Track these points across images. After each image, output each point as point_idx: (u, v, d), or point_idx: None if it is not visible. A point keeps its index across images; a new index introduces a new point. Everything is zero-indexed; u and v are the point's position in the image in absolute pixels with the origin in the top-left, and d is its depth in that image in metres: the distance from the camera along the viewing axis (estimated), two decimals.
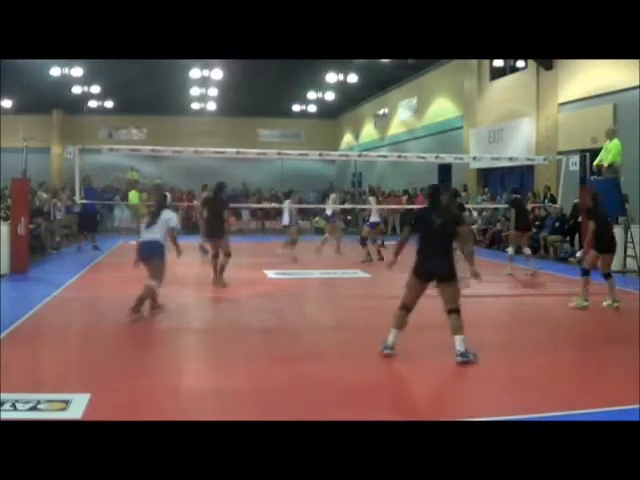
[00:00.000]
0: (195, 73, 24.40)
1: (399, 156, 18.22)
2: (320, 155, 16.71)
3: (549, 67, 17.45)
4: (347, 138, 35.14)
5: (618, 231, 12.82)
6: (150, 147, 17.37)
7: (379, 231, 15.13)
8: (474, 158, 18.75)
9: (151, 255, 7.99)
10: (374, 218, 14.91)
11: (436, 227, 6.13)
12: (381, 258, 14.13)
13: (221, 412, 4.71)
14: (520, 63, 19.42)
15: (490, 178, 21.79)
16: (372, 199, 15.62)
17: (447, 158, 18.03)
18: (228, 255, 10.68)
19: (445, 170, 23.68)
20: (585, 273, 9.22)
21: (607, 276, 9.24)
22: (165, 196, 8.71)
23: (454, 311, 6.04)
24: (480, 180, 22.02)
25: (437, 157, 16.91)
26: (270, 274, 12.45)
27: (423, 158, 17.87)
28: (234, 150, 16.11)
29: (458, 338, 5.98)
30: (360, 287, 11.47)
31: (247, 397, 5.07)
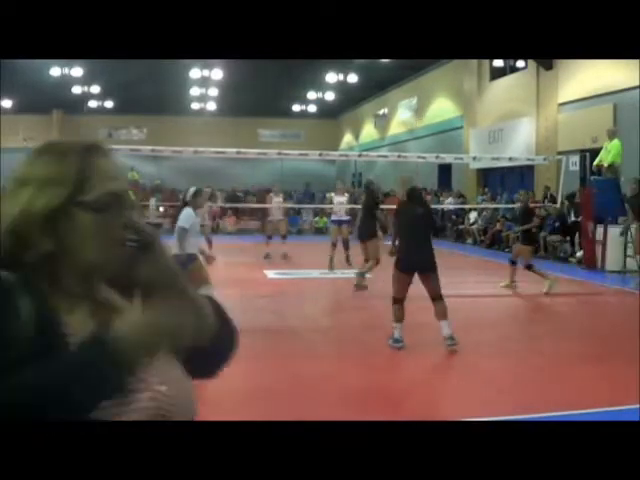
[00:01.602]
0: (195, 73, 24.40)
1: (399, 156, 18.23)
2: (320, 155, 16.71)
3: (549, 67, 17.45)
4: (347, 138, 35.15)
5: (617, 231, 12.86)
6: (150, 147, 17.38)
7: (347, 231, 12.94)
8: (474, 158, 18.75)
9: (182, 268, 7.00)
10: (338, 216, 13.20)
11: (418, 221, 6.56)
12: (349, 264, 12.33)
13: (221, 412, 4.71)
14: (520, 63, 19.42)
15: (490, 178, 21.80)
16: (336, 196, 13.88)
17: (447, 158, 18.03)
18: None
19: (445, 170, 23.69)
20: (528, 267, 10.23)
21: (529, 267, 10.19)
22: (186, 191, 7.52)
23: (439, 297, 6.45)
24: (480, 180, 22.02)
25: (437, 157, 16.92)
26: (270, 274, 12.46)
27: (423, 158, 17.88)
28: (234, 150, 16.12)
29: (445, 323, 6.41)
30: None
31: (247, 397, 5.07)
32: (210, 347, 1.14)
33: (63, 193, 1.09)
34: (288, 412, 4.57)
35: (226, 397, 5.12)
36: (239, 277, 11.90)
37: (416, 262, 6.47)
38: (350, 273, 12.67)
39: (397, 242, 6.76)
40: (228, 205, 25.78)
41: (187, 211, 7.30)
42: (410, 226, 6.58)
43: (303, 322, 8.33)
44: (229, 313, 1.23)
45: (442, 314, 6.42)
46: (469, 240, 19.70)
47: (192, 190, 7.61)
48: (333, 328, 8.18)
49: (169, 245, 1.13)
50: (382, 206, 16.01)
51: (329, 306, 9.88)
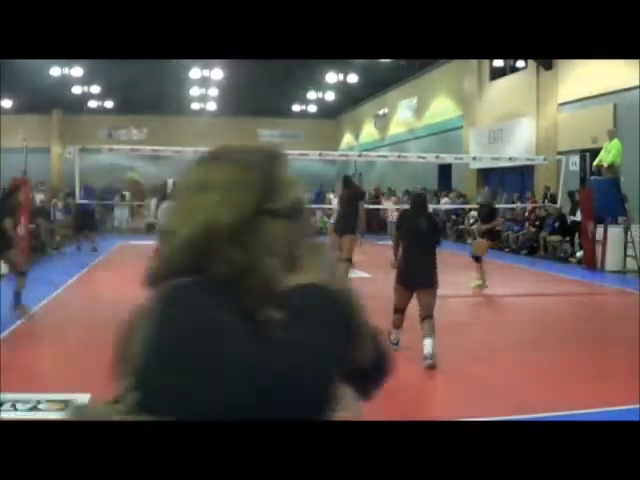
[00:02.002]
0: (195, 73, 24.42)
1: (399, 156, 18.25)
2: (320, 155, 16.72)
3: (549, 67, 17.46)
4: (347, 138, 35.15)
5: (617, 231, 12.87)
6: (150, 147, 17.39)
7: None
8: (474, 158, 18.75)
9: None
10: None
11: (422, 232, 6.28)
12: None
13: None
14: (520, 63, 19.43)
15: (490, 178, 21.79)
16: (335, 198, 14.17)
17: (447, 158, 18.03)
18: (20, 274, 8.13)
19: (445, 170, 23.69)
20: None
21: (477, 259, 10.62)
22: (165, 184, 7.55)
23: (428, 317, 6.12)
24: (480, 180, 22.02)
25: (437, 157, 16.92)
26: None
27: (423, 158, 17.89)
28: None
29: (429, 340, 5.99)
30: (360, 287, 11.46)
31: None
32: (369, 370, 1.09)
33: (251, 200, 1.03)
34: None
35: None
36: None
37: (416, 278, 6.24)
38: (350, 273, 12.67)
39: (398, 253, 6.50)
40: None
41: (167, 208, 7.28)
42: (412, 239, 6.34)
43: None
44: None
45: (429, 331, 6.05)
46: (469, 240, 19.69)
47: (172, 182, 7.59)
48: None
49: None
50: (380, 206, 16.01)
51: None
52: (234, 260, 1.01)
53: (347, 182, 10.62)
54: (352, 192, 10.24)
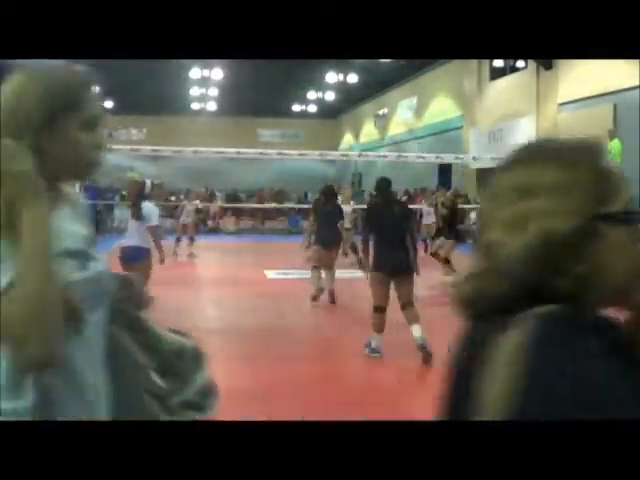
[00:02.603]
0: (195, 73, 24.43)
1: (399, 156, 18.25)
2: (320, 155, 16.72)
3: (549, 67, 17.48)
4: (347, 138, 35.18)
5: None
6: (150, 147, 17.41)
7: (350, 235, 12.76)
8: (474, 158, 18.75)
9: (132, 260, 7.00)
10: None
11: (392, 221, 6.14)
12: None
13: (221, 412, 4.71)
14: (520, 63, 19.45)
15: (490, 178, 21.79)
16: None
17: (447, 158, 18.04)
18: None
19: (445, 170, 23.70)
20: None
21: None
22: (144, 183, 7.39)
23: (409, 304, 6.02)
24: (480, 180, 22.04)
25: (437, 157, 16.93)
26: (270, 274, 12.45)
27: (423, 158, 17.90)
28: (234, 150, 16.15)
29: (416, 326, 5.90)
30: (360, 287, 11.48)
31: (247, 397, 5.07)
32: None
33: (584, 205, 0.90)
34: (288, 412, 4.58)
35: (226, 397, 5.12)
36: (239, 277, 11.90)
37: (390, 264, 6.03)
38: (347, 273, 12.67)
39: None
40: (228, 205, 25.86)
41: (153, 207, 7.31)
42: (382, 228, 6.18)
43: (303, 322, 8.33)
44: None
45: (413, 319, 5.95)
46: (469, 240, 19.71)
47: (149, 182, 7.62)
48: (334, 328, 8.18)
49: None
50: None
51: (329, 306, 9.88)
52: (578, 275, 0.89)
53: (329, 193, 10.34)
54: (335, 204, 10.13)
